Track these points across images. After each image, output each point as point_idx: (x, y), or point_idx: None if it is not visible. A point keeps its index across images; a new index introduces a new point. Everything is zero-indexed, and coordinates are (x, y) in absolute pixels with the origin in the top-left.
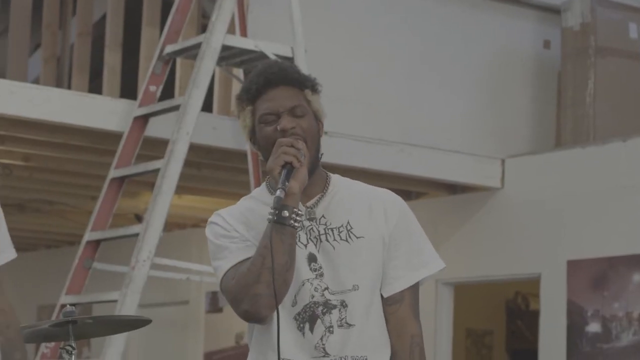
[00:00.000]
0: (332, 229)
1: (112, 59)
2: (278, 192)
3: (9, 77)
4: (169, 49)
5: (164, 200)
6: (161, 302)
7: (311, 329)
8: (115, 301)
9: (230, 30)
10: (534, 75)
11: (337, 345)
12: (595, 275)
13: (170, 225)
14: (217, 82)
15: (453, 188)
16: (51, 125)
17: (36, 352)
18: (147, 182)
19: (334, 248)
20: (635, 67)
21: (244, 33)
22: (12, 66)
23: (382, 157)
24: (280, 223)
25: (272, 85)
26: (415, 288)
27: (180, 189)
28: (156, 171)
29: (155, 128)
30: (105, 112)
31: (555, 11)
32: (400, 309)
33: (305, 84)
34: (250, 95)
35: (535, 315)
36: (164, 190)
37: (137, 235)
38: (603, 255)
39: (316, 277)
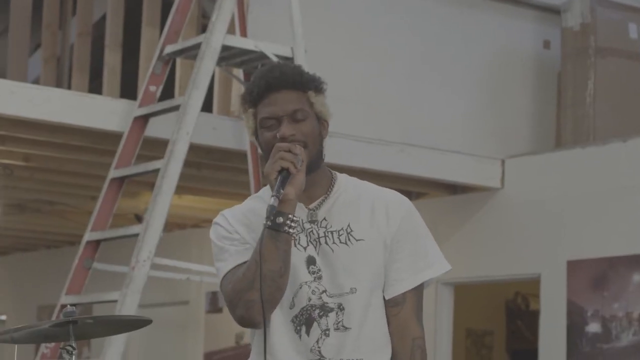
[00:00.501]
0: (332, 232)
1: (112, 59)
2: (272, 200)
3: (9, 77)
4: (169, 49)
5: (164, 201)
6: (161, 303)
7: (307, 332)
8: (115, 301)
9: (230, 30)
10: (534, 76)
11: (333, 348)
12: (595, 276)
13: (170, 225)
14: (217, 82)
15: (453, 188)
16: (51, 125)
17: (36, 352)
18: (147, 182)
19: (332, 251)
20: (635, 67)
21: (244, 33)
22: (12, 66)
23: (382, 157)
24: (275, 229)
25: (272, 89)
26: (418, 290)
27: (180, 189)
28: (156, 171)
29: (155, 128)
30: (105, 112)
31: (555, 11)
32: (402, 311)
33: (308, 85)
34: (252, 98)
35: (535, 316)
36: (164, 191)
37: (137, 235)
38: (603, 256)
39: (314, 280)
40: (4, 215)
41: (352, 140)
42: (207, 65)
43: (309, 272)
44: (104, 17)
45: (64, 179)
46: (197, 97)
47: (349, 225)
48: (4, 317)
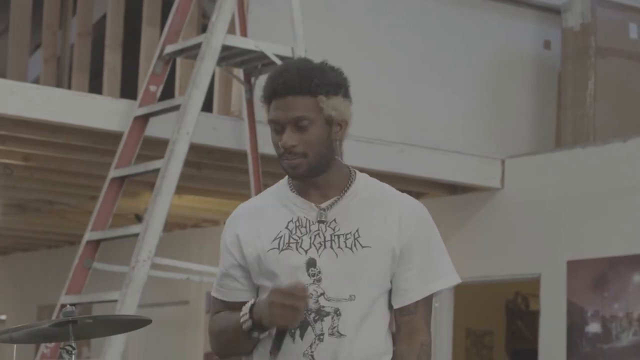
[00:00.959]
0: (339, 236)
1: (113, 59)
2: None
3: (9, 77)
4: (169, 49)
5: (164, 201)
6: (161, 302)
7: (301, 336)
8: (115, 301)
9: (231, 30)
10: (534, 76)
11: (325, 354)
12: (595, 276)
13: (171, 225)
14: (217, 82)
15: (453, 188)
16: (51, 125)
17: (36, 352)
18: (147, 182)
19: (336, 255)
20: (636, 68)
21: (244, 33)
22: (12, 66)
23: (382, 157)
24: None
25: (278, 95)
26: (428, 300)
27: (181, 189)
28: (156, 171)
29: (156, 128)
30: (105, 112)
31: (555, 11)
32: (414, 320)
33: (317, 90)
34: (264, 97)
35: (535, 316)
36: (164, 190)
37: (137, 235)
38: (603, 256)
39: (313, 283)
40: (4, 215)
41: (352, 140)
42: (207, 65)
43: (309, 274)
44: (104, 17)
45: (64, 179)
46: (198, 97)
47: (357, 231)
48: (3, 317)
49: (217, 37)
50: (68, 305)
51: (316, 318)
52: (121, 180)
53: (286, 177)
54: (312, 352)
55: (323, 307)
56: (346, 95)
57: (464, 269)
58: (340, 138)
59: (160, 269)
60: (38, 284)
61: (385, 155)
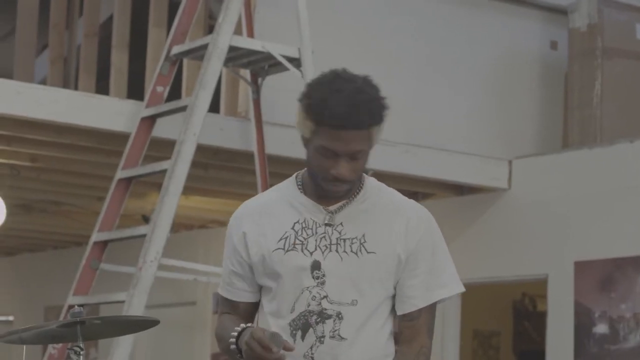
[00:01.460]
0: (344, 240)
1: (119, 60)
2: None
3: (15, 77)
4: (176, 49)
5: (171, 201)
6: (168, 303)
7: (302, 337)
8: (122, 302)
9: (237, 31)
10: (540, 76)
11: (325, 356)
12: (602, 277)
13: (178, 226)
14: (224, 83)
15: (460, 189)
16: (58, 126)
17: (43, 353)
18: (155, 183)
19: (341, 259)
20: None
21: (250, 34)
22: (18, 67)
23: (388, 158)
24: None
25: (340, 128)
26: (432, 307)
27: (188, 190)
28: (163, 172)
29: (163, 129)
30: (112, 112)
31: (562, 12)
32: (416, 325)
33: (373, 122)
34: (316, 118)
35: (542, 317)
36: (171, 191)
37: (144, 236)
38: (610, 257)
39: (317, 285)
40: (10, 216)
41: None
42: (214, 66)
43: (313, 276)
44: (111, 18)
45: (70, 180)
46: (204, 98)
47: (363, 236)
48: (11, 318)
49: (224, 37)
50: (76, 306)
51: (318, 320)
52: (128, 181)
53: (294, 175)
54: (312, 353)
55: (325, 309)
56: None
57: (471, 269)
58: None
59: (168, 269)
60: (45, 284)
61: (392, 156)
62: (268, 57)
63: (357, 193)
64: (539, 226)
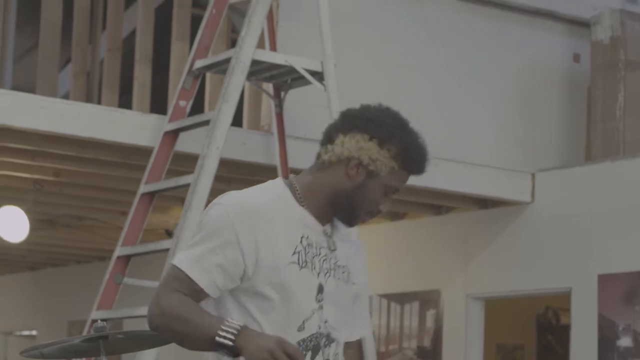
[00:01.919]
0: (339, 266)
1: (142, 74)
2: None
3: (39, 92)
4: (199, 64)
5: (194, 216)
6: None
7: (312, 358)
8: (145, 316)
9: (260, 44)
10: (563, 89)
11: None
12: (626, 290)
13: None
14: (246, 96)
15: (483, 202)
16: (81, 140)
17: None
18: (178, 197)
19: (336, 286)
20: None
21: (273, 47)
22: (42, 81)
23: None
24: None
25: (418, 174)
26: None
27: None
28: (186, 186)
29: (185, 143)
30: (135, 127)
31: (584, 24)
32: (353, 354)
33: None
34: (404, 163)
35: (566, 330)
36: (195, 206)
37: (167, 250)
38: (634, 270)
39: (319, 308)
40: (34, 231)
41: None
42: (236, 80)
43: (316, 299)
44: (133, 32)
45: (94, 194)
46: (227, 112)
47: (348, 265)
48: (34, 333)
49: (247, 51)
50: (99, 321)
51: (326, 343)
52: (151, 195)
53: (284, 183)
54: None
55: (330, 333)
56: None
57: (494, 283)
58: None
59: None
60: (68, 299)
61: None
62: (291, 70)
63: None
64: (562, 239)
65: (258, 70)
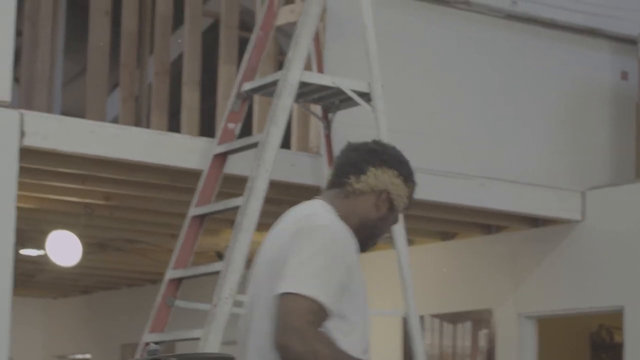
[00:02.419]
0: None
1: (190, 97)
2: None
3: (88, 117)
4: (247, 86)
5: (244, 238)
6: None
7: None
8: (198, 339)
9: (307, 66)
10: (612, 107)
11: None
12: None
13: (252, 262)
14: (295, 118)
15: (534, 221)
16: (131, 164)
17: None
18: (228, 219)
19: None
20: None
21: (320, 69)
22: (91, 106)
23: (462, 191)
24: None
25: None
26: None
27: (261, 226)
28: (236, 208)
29: (235, 165)
30: (184, 150)
31: (631, 42)
32: None
33: None
34: (412, 185)
35: (619, 348)
36: (245, 228)
37: (218, 272)
38: None
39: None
40: (86, 254)
41: (432, 174)
42: (284, 102)
43: None
44: (181, 56)
45: (144, 218)
46: (276, 134)
47: None
48: (88, 356)
49: (294, 73)
50: (152, 344)
51: None
52: (201, 218)
53: (335, 214)
54: None
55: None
56: None
57: (546, 302)
58: None
59: (243, 306)
60: (121, 322)
61: (466, 189)
62: (338, 92)
63: None
64: (613, 257)
65: (306, 92)
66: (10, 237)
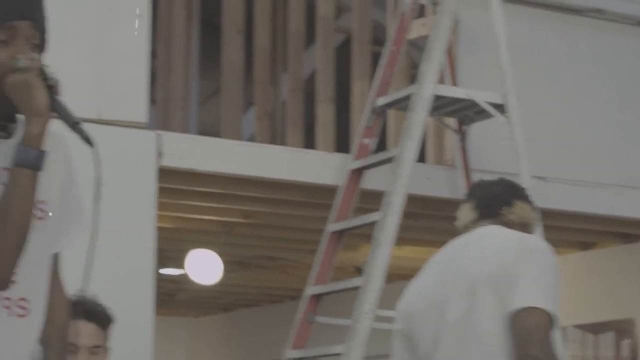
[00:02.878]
0: None
1: (325, 113)
2: None
3: (224, 136)
4: (381, 101)
5: (383, 252)
6: (384, 354)
7: None
8: (340, 354)
9: (440, 79)
10: None
11: None
12: None
13: (391, 276)
14: (429, 131)
15: None
16: (268, 181)
17: None
18: (365, 234)
19: None
20: None
21: (454, 82)
22: (226, 125)
23: (599, 200)
24: None
25: None
26: None
27: (399, 240)
28: (373, 223)
29: (370, 180)
30: (320, 166)
31: None
32: None
33: None
34: None
35: None
36: (383, 242)
37: (358, 287)
38: None
39: None
40: (227, 272)
41: (567, 184)
42: (419, 116)
43: None
44: (314, 72)
45: (283, 234)
46: (411, 148)
47: None
48: None
49: (427, 87)
50: None
51: None
52: (339, 233)
53: None
54: None
55: None
56: None
57: None
58: None
59: (383, 320)
60: (262, 339)
61: (603, 198)
62: (472, 104)
63: None
64: None
65: (440, 105)
66: (151, 257)
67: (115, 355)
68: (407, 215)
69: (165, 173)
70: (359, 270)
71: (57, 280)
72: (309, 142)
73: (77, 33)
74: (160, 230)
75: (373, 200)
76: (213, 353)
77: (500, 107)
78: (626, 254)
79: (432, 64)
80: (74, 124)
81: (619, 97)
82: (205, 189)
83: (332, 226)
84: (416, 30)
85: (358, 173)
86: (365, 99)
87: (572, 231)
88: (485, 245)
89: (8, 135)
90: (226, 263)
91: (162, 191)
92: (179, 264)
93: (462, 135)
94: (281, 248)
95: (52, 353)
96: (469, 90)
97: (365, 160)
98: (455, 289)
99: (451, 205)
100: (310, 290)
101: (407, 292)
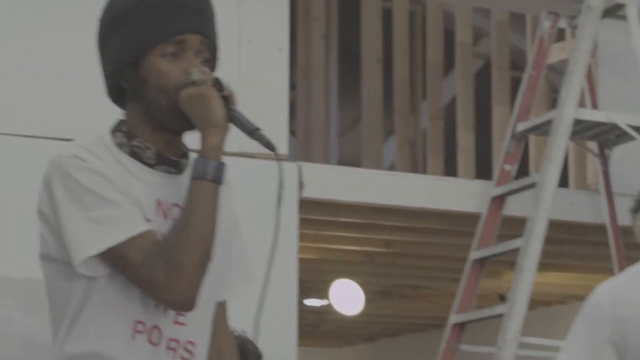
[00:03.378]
0: None
1: (465, 140)
2: None
3: (364, 165)
4: (521, 126)
5: (526, 279)
6: None
7: None
8: None
9: (581, 103)
10: None
11: None
12: None
13: (535, 302)
14: (571, 156)
15: None
16: (409, 210)
17: None
18: (508, 261)
19: None
20: None
21: (594, 105)
22: (366, 154)
23: None
24: None
25: None
26: None
27: (543, 266)
28: (516, 250)
29: (512, 206)
30: (462, 194)
31: None
32: None
33: None
34: None
35: None
36: (526, 269)
37: (501, 315)
38: None
39: None
40: (369, 302)
41: None
42: (560, 141)
43: None
44: (454, 100)
45: (425, 263)
46: (553, 174)
47: None
48: None
49: (568, 111)
50: None
51: None
52: (482, 261)
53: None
54: None
55: None
56: None
57: None
58: None
59: (528, 347)
60: None
61: None
62: (614, 127)
63: None
64: None
65: (581, 129)
66: (294, 288)
67: None
68: (550, 241)
69: (306, 204)
70: (502, 298)
71: (226, 324)
72: (450, 170)
73: (218, 66)
74: (303, 261)
75: (515, 226)
76: None
77: None
78: None
79: (573, 88)
80: (253, 131)
81: None
82: (346, 219)
83: (475, 254)
84: (555, 54)
85: (500, 200)
86: (506, 124)
87: None
88: None
89: (179, 171)
90: (368, 293)
91: (304, 222)
92: (322, 295)
93: (604, 159)
94: (423, 277)
95: None
96: (609, 113)
97: (506, 186)
98: None
99: (594, 230)
100: (454, 318)
101: (612, 299)
